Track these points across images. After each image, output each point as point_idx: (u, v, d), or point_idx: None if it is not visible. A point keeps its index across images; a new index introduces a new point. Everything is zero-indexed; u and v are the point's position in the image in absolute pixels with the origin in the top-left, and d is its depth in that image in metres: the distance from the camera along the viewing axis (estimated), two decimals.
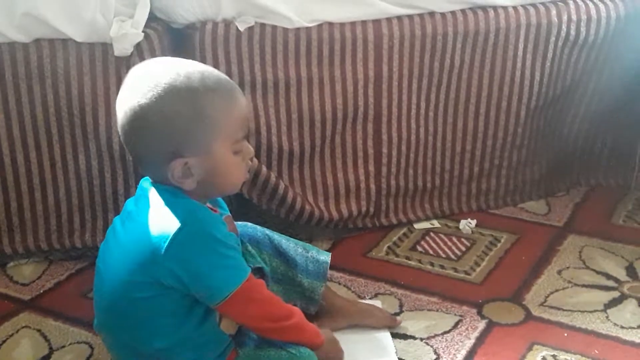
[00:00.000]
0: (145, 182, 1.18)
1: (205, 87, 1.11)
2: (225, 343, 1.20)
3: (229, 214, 1.27)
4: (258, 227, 1.37)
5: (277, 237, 1.37)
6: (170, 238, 1.08)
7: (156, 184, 1.15)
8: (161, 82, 1.09)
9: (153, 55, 1.52)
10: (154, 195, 1.14)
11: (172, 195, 1.13)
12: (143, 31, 1.50)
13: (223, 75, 1.16)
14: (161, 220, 1.11)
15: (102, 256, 1.21)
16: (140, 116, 1.09)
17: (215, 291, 1.12)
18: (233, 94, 1.14)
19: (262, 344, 1.22)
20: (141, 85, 1.10)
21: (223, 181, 1.16)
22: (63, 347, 1.39)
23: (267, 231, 1.36)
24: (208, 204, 1.20)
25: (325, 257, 1.38)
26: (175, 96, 1.09)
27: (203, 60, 1.53)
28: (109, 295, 1.17)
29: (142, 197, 1.16)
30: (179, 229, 1.09)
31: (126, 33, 1.47)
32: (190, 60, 1.17)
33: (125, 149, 1.18)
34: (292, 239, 1.38)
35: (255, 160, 1.56)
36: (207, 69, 1.15)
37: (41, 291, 1.55)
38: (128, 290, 1.13)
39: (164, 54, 1.53)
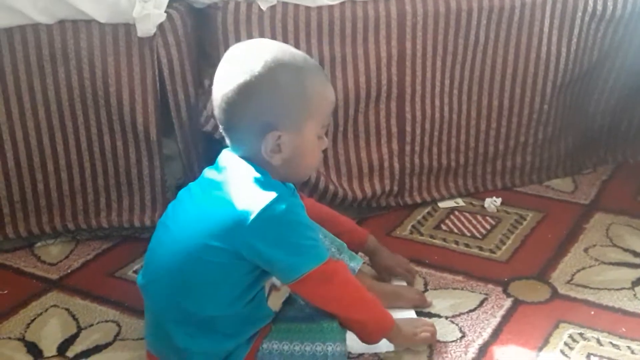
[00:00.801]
0: (229, 154, 1.20)
1: (308, 67, 1.18)
2: (268, 320, 1.22)
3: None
4: None
5: None
6: (256, 214, 1.11)
7: (241, 159, 1.18)
8: (270, 56, 1.15)
9: (176, 35, 1.52)
10: (241, 169, 1.17)
11: (259, 173, 1.16)
12: (166, 11, 1.50)
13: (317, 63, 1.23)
14: (249, 194, 1.14)
15: (172, 216, 1.23)
16: (251, 84, 1.14)
17: (292, 269, 1.15)
18: (328, 80, 1.21)
19: (295, 319, 1.23)
20: (250, 58, 1.15)
21: (303, 163, 1.20)
22: (91, 325, 1.41)
23: None
24: None
25: (356, 264, 1.37)
26: (284, 69, 1.15)
27: (225, 39, 1.53)
28: (178, 253, 1.18)
29: (229, 168, 1.18)
30: (266, 207, 1.12)
31: (149, 13, 1.47)
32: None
33: (220, 122, 1.19)
34: (330, 235, 1.37)
35: None
36: (305, 54, 1.20)
37: (69, 271, 1.57)
38: (202, 252, 1.15)
39: (186, 34, 1.54)
